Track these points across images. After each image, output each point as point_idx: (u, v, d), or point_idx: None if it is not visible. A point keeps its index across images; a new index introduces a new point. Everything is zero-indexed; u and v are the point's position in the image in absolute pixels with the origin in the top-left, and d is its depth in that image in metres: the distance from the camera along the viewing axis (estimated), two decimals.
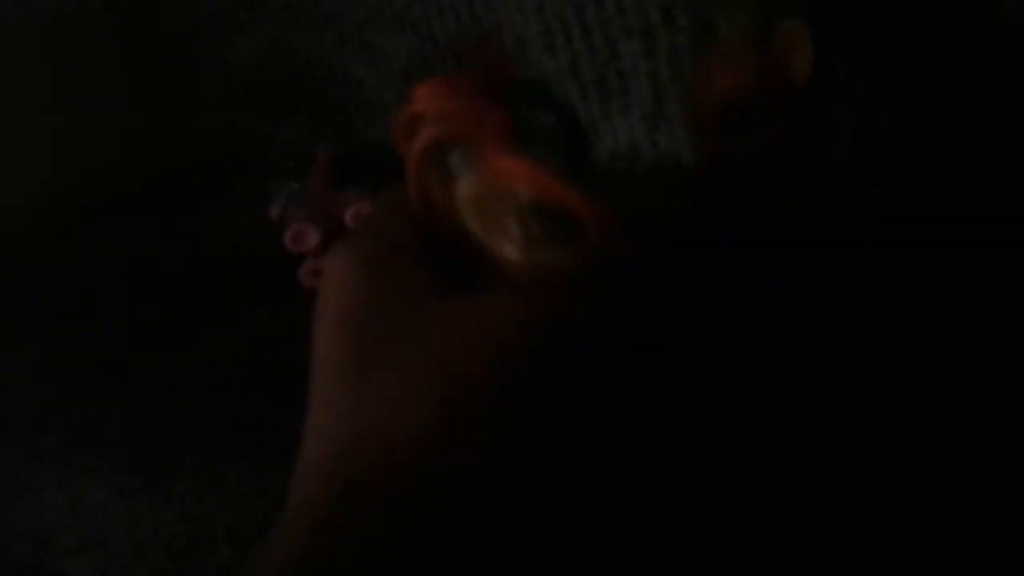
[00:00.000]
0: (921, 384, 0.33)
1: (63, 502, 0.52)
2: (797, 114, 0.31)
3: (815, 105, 0.30)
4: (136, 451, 0.51)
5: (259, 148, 0.82)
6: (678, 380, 0.32)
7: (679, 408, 0.31)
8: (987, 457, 0.32)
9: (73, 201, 0.83)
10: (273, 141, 0.82)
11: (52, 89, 0.86)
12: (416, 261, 0.28)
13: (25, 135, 0.84)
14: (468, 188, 0.28)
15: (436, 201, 0.29)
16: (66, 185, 0.85)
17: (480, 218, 0.28)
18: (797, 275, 0.34)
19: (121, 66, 0.90)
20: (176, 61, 0.90)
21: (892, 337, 0.33)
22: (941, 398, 0.33)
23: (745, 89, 0.30)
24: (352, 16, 0.75)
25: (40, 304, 0.70)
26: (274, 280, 0.61)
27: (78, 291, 0.70)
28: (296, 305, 0.51)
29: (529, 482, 0.25)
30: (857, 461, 0.32)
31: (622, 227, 0.28)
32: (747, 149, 0.32)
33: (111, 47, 0.89)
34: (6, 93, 0.82)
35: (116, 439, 0.53)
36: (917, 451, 0.33)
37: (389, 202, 0.31)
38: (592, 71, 0.56)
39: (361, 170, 0.69)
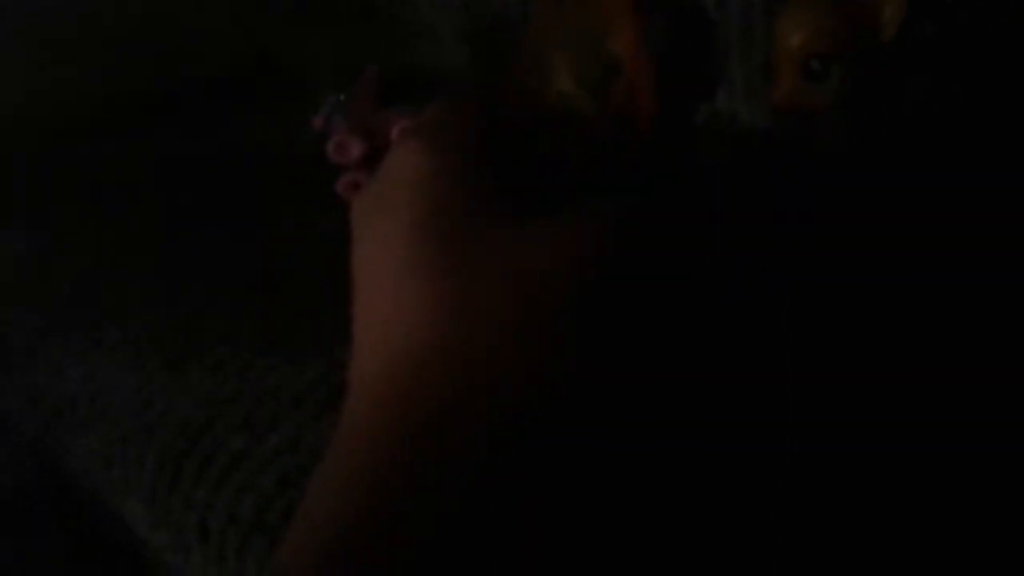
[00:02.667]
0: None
1: (80, 376, 0.53)
2: (878, 68, 0.30)
3: (897, 61, 0.29)
4: (160, 333, 0.52)
5: (310, 59, 0.81)
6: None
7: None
8: (983, 448, 0.32)
9: (124, 98, 0.83)
10: (324, 53, 0.81)
11: None
12: (488, 171, 0.27)
13: (77, 25, 0.83)
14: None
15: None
16: (116, 80, 0.84)
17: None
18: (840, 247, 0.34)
19: None
20: None
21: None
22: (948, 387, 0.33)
23: (833, 40, 0.30)
24: None
25: (80, 185, 0.70)
26: (313, 187, 0.61)
27: (119, 177, 0.70)
28: (332, 214, 0.51)
29: (598, 416, 0.25)
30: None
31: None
32: (823, 103, 0.31)
33: None
34: None
35: (142, 319, 0.53)
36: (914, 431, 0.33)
37: (455, 108, 0.30)
38: None
39: (408, 90, 0.68)
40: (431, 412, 0.23)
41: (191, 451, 0.45)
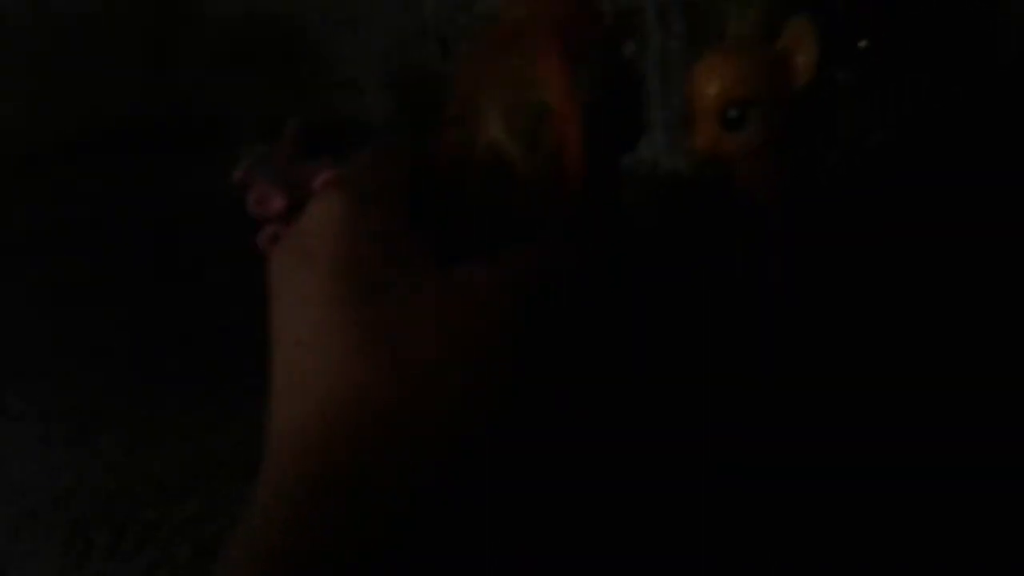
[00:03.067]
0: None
1: None
2: (796, 115, 0.30)
3: (815, 106, 0.30)
4: (68, 400, 0.49)
5: (230, 111, 0.80)
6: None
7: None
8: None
9: (38, 148, 0.80)
10: (245, 105, 0.80)
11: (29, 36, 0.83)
12: (410, 222, 0.27)
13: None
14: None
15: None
16: (32, 132, 0.82)
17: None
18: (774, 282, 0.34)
19: (99, 17, 0.87)
20: (156, 14, 0.87)
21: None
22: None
23: (747, 87, 0.30)
24: None
25: None
26: (232, 241, 0.59)
27: (32, 231, 0.67)
28: (252, 268, 0.49)
29: (522, 461, 0.25)
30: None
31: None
32: (742, 149, 0.31)
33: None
34: None
35: (48, 385, 0.50)
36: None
37: (377, 159, 0.30)
38: None
39: (332, 142, 0.67)
40: (345, 470, 0.22)
41: (102, 522, 0.43)
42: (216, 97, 0.83)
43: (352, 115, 0.77)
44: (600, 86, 0.32)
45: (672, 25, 0.48)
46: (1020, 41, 0.36)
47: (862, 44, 0.29)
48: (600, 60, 0.33)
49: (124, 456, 0.45)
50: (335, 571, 0.21)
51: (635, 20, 0.47)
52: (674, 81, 0.51)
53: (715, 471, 0.32)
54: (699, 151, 0.32)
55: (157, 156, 0.75)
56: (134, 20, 0.88)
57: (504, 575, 0.24)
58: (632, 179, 0.53)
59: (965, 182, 0.32)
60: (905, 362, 0.33)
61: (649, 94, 0.52)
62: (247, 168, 0.66)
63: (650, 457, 0.32)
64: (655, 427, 0.33)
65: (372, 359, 0.23)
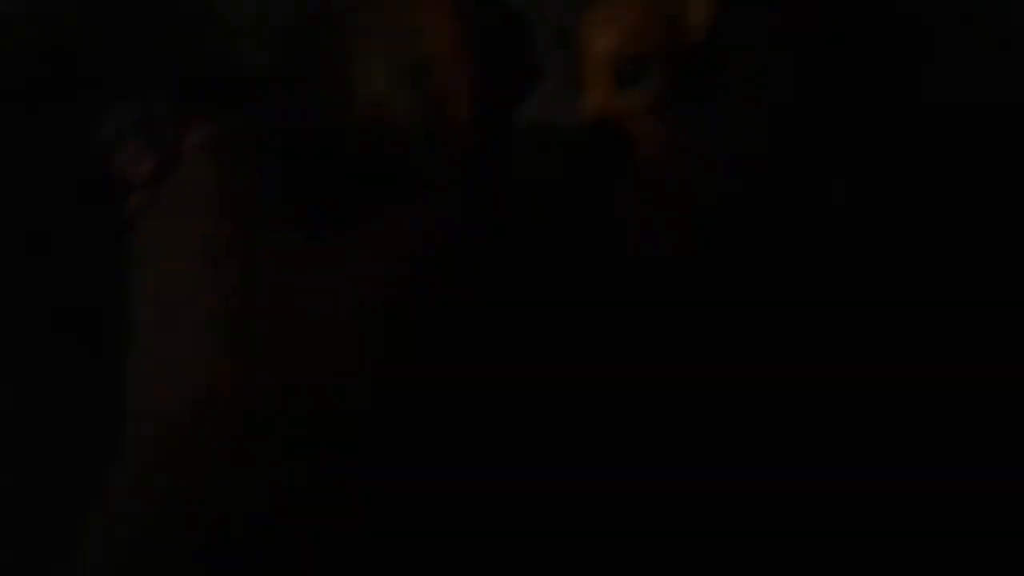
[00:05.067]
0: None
1: None
2: (689, 71, 0.29)
3: (709, 63, 0.29)
4: None
5: (97, 61, 0.74)
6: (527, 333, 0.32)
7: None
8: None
9: None
10: (113, 55, 0.75)
11: None
12: (283, 186, 0.26)
13: None
14: None
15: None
16: None
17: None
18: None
19: None
20: None
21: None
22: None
23: (641, 41, 0.29)
24: None
25: None
26: (97, 208, 0.55)
27: None
28: (117, 239, 0.46)
29: (400, 443, 0.24)
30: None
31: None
32: (637, 106, 0.30)
33: None
34: None
35: None
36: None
37: (249, 120, 0.29)
38: None
39: (211, 99, 0.63)
40: (204, 466, 0.21)
41: None
42: (92, 50, 0.78)
43: (235, 70, 0.72)
44: (489, 38, 0.31)
45: None
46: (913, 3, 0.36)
47: None
48: (489, 10, 0.31)
49: None
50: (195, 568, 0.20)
51: None
52: (572, 35, 0.50)
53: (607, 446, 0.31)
54: (591, 108, 0.30)
55: (13, 111, 0.70)
56: None
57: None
58: (527, 136, 0.52)
59: (863, 144, 0.32)
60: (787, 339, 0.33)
61: (544, 48, 0.51)
62: (116, 126, 0.61)
63: (537, 436, 0.31)
64: (542, 397, 0.32)
65: (242, 355, 0.22)
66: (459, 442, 0.26)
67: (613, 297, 0.35)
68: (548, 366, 0.33)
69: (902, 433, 0.32)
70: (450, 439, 0.26)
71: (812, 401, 0.32)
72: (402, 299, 0.24)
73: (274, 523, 0.21)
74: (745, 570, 0.31)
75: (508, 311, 0.32)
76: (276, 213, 0.25)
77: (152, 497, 0.21)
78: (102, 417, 0.41)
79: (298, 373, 0.22)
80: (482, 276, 0.29)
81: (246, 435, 0.22)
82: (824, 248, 0.33)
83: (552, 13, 0.59)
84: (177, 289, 0.23)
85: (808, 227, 0.32)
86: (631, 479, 0.32)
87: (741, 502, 0.31)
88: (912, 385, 0.33)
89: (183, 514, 0.21)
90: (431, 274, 0.25)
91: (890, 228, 0.33)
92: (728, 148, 0.31)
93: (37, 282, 0.52)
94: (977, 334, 0.34)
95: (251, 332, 0.22)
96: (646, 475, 0.32)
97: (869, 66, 0.34)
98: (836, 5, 0.33)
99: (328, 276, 0.23)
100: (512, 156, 0.36)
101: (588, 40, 0.30)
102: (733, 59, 0.29)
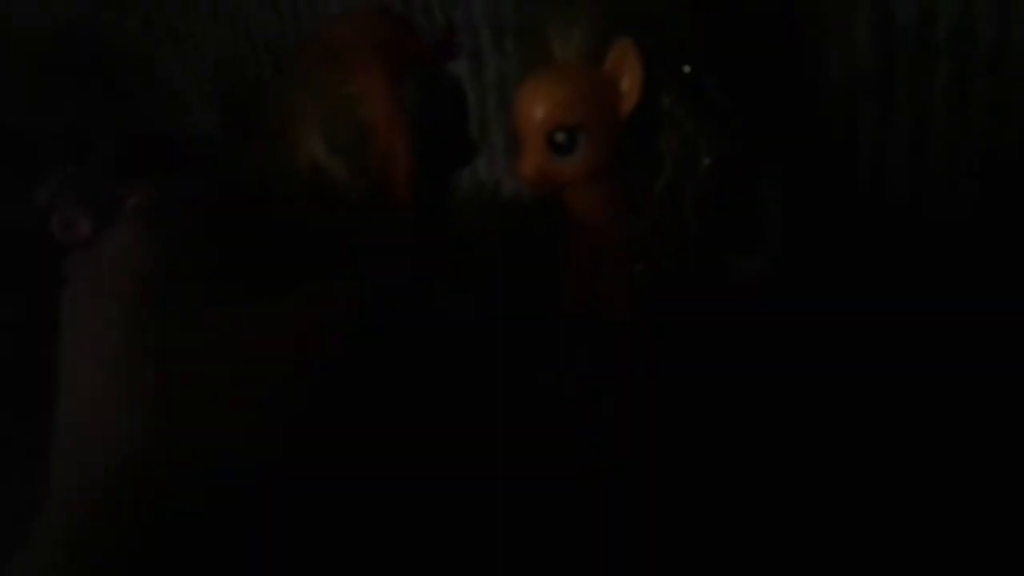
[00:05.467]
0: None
1: None
2: (623, 140, 0.30)
3: (641, 131, 0.29)
4: None
5: (36, 126, 0.73)
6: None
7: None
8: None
9: None
10: (52, 120, 0.74)
11: None
12: (214, 252, 0.26)
13: None
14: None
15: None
16: None
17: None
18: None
19: None
20: None
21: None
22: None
23: (574, 112, 0.29)
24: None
25: None
26: (34, 270, 0.53)
27: None
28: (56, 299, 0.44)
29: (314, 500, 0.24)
30: None
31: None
32: (572, 174, 0.30)
33: None
34: None
35: None
36: None
37: (181, 186, 0.29)
38: None
39: (146, 163, 0.62)
40: (117, 547, 0.21)
41: None
42: (27, 116, 0.76)
43: (176, 134, 0.72)
44: (428, 103, 0.32)
45: (507, 46, 0.47)
46: (843, 66, 0.37)
47: (686, 68, 0.29)
48: (425, 78, 0.32)
49: None
50: None
51: (460, 39, 0.46)
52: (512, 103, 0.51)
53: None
54: (528, 176, 0.31)
55: None
56: None
57: None
58: (471, 201, 0.52)
59: (797, 202, 0.33)
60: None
61: (486, 117, 0.52)
62: (53, 189, 0.60)
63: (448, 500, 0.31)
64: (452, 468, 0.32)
65: (155, 434, 0.22)
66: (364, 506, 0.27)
67: (553, 357, 0.35)
68: (483, 429, 0.33)
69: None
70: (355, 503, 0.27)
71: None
72: (323, 366, 0.24)
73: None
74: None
75: (447, 370, 0.32)
76: (208, 278, 0.25)
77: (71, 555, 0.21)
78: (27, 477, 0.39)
79: (212, 440, 0.22)
80: (419, 340, 0.29)
81: (163, 505, 0.22)
82: (766, 307, 0.33)
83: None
84: (97, 356, 0.23)
85: (747, 286, 0.33)
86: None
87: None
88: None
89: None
90: (347, 342, 0.25)
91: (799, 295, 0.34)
92: (667, 212, 0.31)
93: None
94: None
95: (164, 412, 0.22)
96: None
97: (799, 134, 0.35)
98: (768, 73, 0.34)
99: (244, 337, 0.24)
100: (453, 218, 0.36)
101: (523, 108, 0.30)
102: (666, 124, 0.29)
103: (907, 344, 0.35)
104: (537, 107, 0.29)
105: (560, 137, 0.29)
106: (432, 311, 0.32)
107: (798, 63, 0.38)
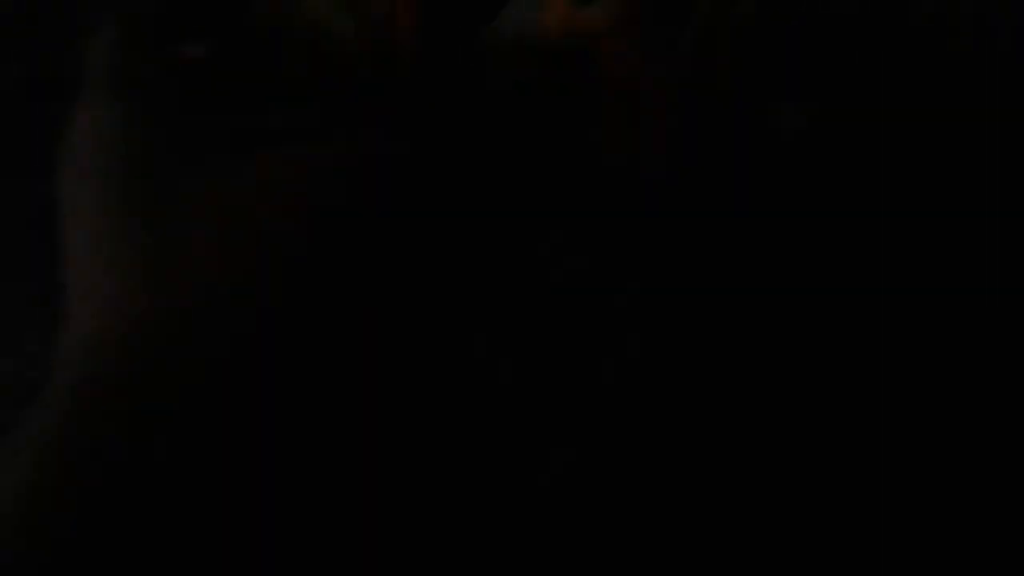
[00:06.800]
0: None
1: None
2: None
3: None
4: None
5: None
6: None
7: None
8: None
9: None
10: None
11: None
12: (196, 113, 0.26)
13: None
14: None
15: None
16: None
17: None
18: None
19: None
20: None
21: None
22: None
23: None
24: None
25: None
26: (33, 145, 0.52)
27: None
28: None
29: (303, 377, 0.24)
30: None
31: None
32: (597, 25, 0.28)
33: None
34: None
35: None
36: None
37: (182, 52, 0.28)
38: None
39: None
40: (119, 396, 0.22)
41: None
42: None
43: None
44: None
45: None
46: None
47: None
48: None
49: None
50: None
51: None
52: None
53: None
54: (550, 28, 0.28)
55: None
56: None
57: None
58: (491, 54, 0.50)
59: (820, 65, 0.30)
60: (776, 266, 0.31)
61: None
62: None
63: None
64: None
65: (147, 296, 0.23)
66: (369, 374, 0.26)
67: (586, 213, 0.33)
68: (512, 287, 0.31)
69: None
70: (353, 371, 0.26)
71: (805, 315, 0.31)
72: (298, 226, 0.24)
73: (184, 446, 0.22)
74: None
75: (470, 226, 0.30)
76: (204, 137, 0.25)
77: (72, 417, 0.22)
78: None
79: (197, 303, 0.23)
80: (425, 201, 0.28)
81: (151, 368, 0.22)
82: (794, 164, 0.31)
83: None
84: (88, 231, 0.24)
85: (777, 145, 0.31)
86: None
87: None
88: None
89: (98, 436, 0.22)
90: (352, 199, 0.25)
91: (849, 149, 0.32)
92: (699, 66, 0.29)
93: None
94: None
95: (153, 274, 0.23)
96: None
97: None
98: None
99: (230, 199, 0.24)
100: (476, 73, 0.34)
101: None
102: None
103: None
104: None
105: None
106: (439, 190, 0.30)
107: None
